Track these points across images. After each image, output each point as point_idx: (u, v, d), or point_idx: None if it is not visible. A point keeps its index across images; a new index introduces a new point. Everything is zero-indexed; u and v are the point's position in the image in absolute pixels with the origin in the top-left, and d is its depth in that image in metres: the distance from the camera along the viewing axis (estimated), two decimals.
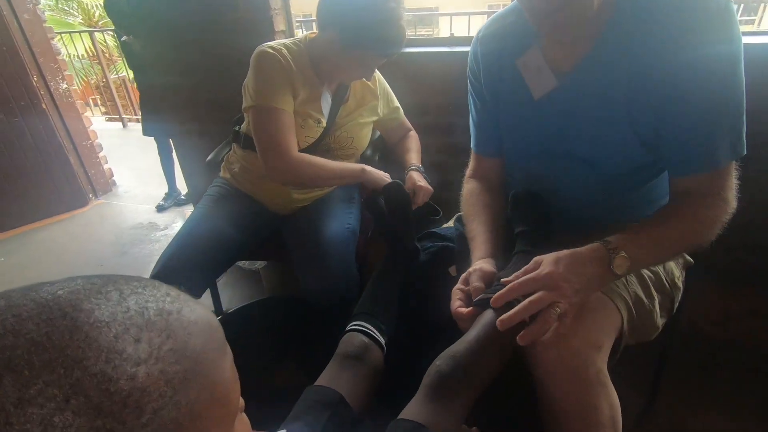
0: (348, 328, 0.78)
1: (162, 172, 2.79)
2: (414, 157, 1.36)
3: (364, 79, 1.23)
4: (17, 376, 0.22)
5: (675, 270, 0.87)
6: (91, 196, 2.94)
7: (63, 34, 5.20)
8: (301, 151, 1.19)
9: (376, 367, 0.73)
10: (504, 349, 0.67)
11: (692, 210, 0.69)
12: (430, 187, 1.24)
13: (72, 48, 5.52)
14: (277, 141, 1.08)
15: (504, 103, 0.84)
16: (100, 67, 5.10)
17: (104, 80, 5.16)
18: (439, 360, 0.63)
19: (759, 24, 9.52)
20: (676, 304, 0.87)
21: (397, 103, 1.38)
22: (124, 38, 2.38)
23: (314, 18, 1.18)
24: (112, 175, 3.15)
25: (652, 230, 0.69)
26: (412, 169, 1.29)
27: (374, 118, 1.32)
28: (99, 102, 6.19)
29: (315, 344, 1.12)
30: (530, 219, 0.83)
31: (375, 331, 0.77)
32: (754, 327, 1.45)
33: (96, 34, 5.11)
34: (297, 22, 2.15)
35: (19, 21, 2.42)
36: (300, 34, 2.15)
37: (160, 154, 2.72)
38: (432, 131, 1.70)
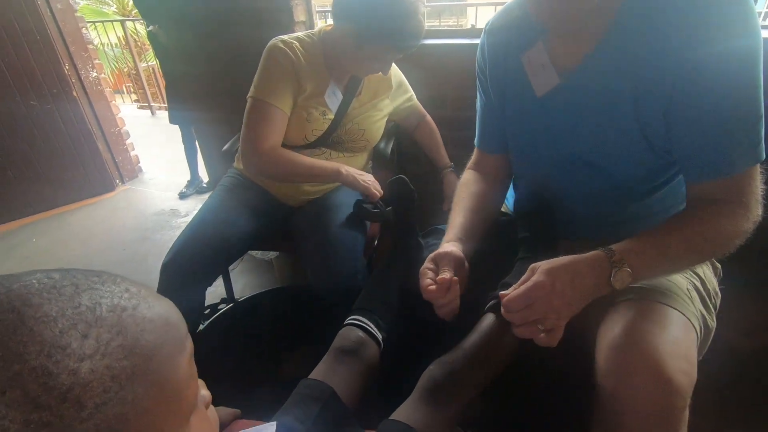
0: (345, 322, 0.78)
1: (186, 159, 2.86)
2: (444, 154, 1.38)
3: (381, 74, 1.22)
4: None
5: (712, 278, 0.83)
6: (117, 181, 3.03)
7: (97, 23, 5.37)
8: (311, 143, 1.19)
9: (372, 363, 0.73)
10: (500, 358, 0.65)
11: (708, 219, 0.63)
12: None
13: (105, 37, 5.69)
14: (256, 134, 1.10)
15: (509, 100, 0.82)
16: (131, 56, 5.23)
17: (135, 69, 5.30)
18: (434, 365, 0.63)
19: None
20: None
21: (410, 91, 1.37)
22: (150, 28, 2.42)
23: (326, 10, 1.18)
24: (139, 162, 3.24)
25: (663, 240, 0.63)
26: (449, 171, 1.32)
27: (388, 111, 1.31)
28: (132, 90, 6.38)
29: (321, 335, 1.13)
30: (534, 224, 0.81)
31: (372, 326, 0.77)
32: None
33: (128, 23, 5.24)
34: (318, 12, 2.15)
35: (52, 10, 2.50)
36: (323, 23, 2.15)
37: (183, 142, 2.78)
38: (450, 124, 1.67)
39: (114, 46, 6.22)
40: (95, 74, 2.80)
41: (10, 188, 2.59)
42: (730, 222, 0.62)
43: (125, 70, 6.51)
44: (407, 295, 0.89)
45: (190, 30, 2.07)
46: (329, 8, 2.38)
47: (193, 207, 2.69)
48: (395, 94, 1.32)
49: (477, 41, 1.57)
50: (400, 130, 1.53)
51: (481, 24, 0.97)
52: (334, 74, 1.19)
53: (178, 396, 0.30)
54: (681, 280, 0.75)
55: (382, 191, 1.15)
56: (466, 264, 0.76)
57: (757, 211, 0.65)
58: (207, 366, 1.20)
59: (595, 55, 0.67)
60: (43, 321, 0.25)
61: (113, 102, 2.98)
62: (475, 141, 0.95)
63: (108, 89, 2.96)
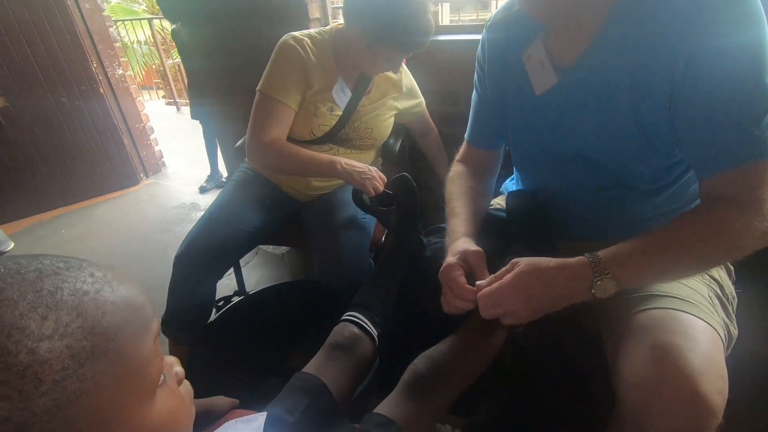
0: (342, 318, 0.79)
1: (206, 154, 2.93)
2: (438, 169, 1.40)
3: (392, 74, 1.24)
4: None
5: (728, 282, 0.80)
6: (142, 175, 3.14)
7: (126, 22, 5.54)
8: (318, 138, 1.20)
9: (365, 359, 0.74)
10: (485, 353, 0.65)
11: (710, 218, 0.58)
12: None
13: (134, 34, 5.86)
14: (259, 125, 1.14)
15: (510, 98, 0.81)
16: (158, 53, 5.38)
17: (162, 66, 5.45)
18: (418, 359, 0.63)
19: None
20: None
21: (420, 98, 1.38)
22: (174, 26, 2.49)
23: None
24: (162, 157, 3.35)
25: (654, 246, 0.59)
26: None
27: (394, 111, 1.32)
28: (160, 86, 6.56)
29: (328, 329, 1.16)
30: (527, 221, 0.80)
31: (368, 323, 0.78)
32: None
33: (155, 21, 5.37)
34: (335, 8, 2.15)
35: (80, 10, 2.60)
36: (331, 20, 2.16)
37: (204, 137, 2.85)
38: (462, 121, 1.65)
39: (143, 43, 6.41)
40: (121, 72, 2.89)
41: (42, 181, 2.72)
42: (737, 220, 0.57)
43: (153, 66, 6.70)
44: (408, 292, 0.90)
45: (210, 27, 2.11)
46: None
47: (211, 201, 2.76)
48: (404, 96, 1.33)
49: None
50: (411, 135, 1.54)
51: None
52: (344, 72, 1.20)
53: (139, 374, 0.32)
54: (701, 287, 0.71)
55: (381, 188, 1.14)
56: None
57: None
58: (217, 356, 1.24)
59: (592, 51, 0.66)
60: (4, 304, 0.27)
61: (138, 98, 3.08)
62: (466, 135, 0.95)
63: (134, 86, 3.05)
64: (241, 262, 2.03)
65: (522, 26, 0.75)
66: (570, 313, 0.65)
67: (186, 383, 0.40)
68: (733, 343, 0.73)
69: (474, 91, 0.90)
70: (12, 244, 2.41)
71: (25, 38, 2.45)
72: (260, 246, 1.90)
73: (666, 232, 0.60)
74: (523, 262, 0.62)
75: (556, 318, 0.64)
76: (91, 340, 0.29)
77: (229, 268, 1.25)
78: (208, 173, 2.96)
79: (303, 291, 1.40)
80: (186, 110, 5.12)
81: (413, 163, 1.73)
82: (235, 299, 1.45)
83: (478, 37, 1.63)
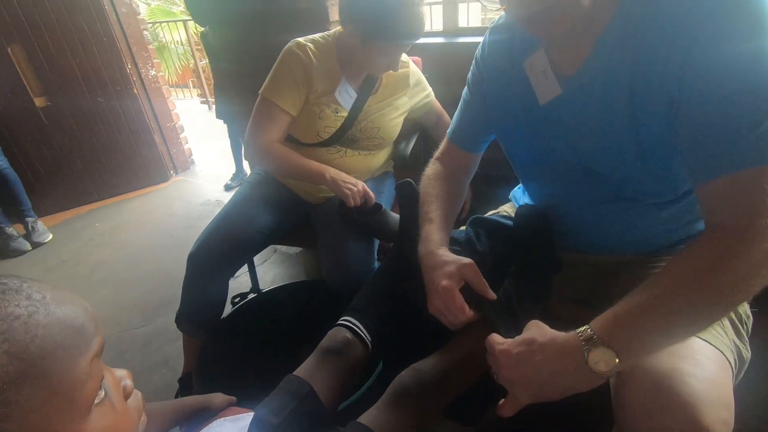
0: (337, 322, 0.80)
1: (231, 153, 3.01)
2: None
3: (392, 71, 1.22)
4: None
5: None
6: (171, 172, 3.26)
7: (164, 24, 5.76)
8: (325, 141, 1.23)
9: (356, 364, 0.75)
10: (472, 371, 0.65)
11: (712, 255, 0.52)
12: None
13: (171, 35, 6.09)
14: (256, 128, 1.20)
15: (512, 106, 0.79)
16: (192, 54, 5.56)
17: (195, 66, 5.64)
18: (405, 372, 0.64)
19: None
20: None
21: (427, 89, 1.38)
22: (202, 29, 2.57)
23: None
24: (191, 155, 3.46)
25: (651, 298, 0.52)
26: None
27: (405, 109, 1.32)
28: (196, 84, 6.79)
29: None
30: (533, 242, 0.79)
31: (362, 328, 0.78)
32: None
33: (190, 23, 5.56)
34: None
35: (117, 14, 2.72)
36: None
37: (229, 136, 2.93)
38: None
39: (180, 43, 6.65)
40: (154, 72, 3.01)
41: (79, 176, 2.87)
42: (737, 254, 0.50)
43: (189, 66, 6.94)
44: (409, 297, 0.90)
45: (235, 30, 2.17)
46: None
47: None
48: (413, 91, 1.33)
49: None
50: (425, 131, 1.53)
51: None
52: (348, 73, 1.21)
53: (69, 396, 0.33)
54: None
55: (359, 201, 1.15)
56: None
57: None
58: (226, 351, 1.28)
59: (592, 60, 0.64)
60: None
61: (170, 98, 3.20)
62: (448, 132, 0.94)
63: (165, 86, 3.18)
64: (258, 260, 2.09)
65: (525, 34, 0.74)
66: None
67: (136, 394, 0.40)
68: (746, 366, 0.70)
69: (465, 88, 0.89)
70: (50, 236, 2.56)
71: (67, 42, 2.59)
72: (276, 245, 1.94)
73: (658, 285, 0.54)
74: (518, 340, 0.58)
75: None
76: (18, 366, 0.30)
77: (240, 267, 1.29)
78: (233, 171, 3.05)
79: (313, 291, 1.42)
80: None
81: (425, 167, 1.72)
82: (251, 296, 1.49)
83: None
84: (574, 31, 0.61)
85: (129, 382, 0.40)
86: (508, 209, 1.07)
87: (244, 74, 2.20)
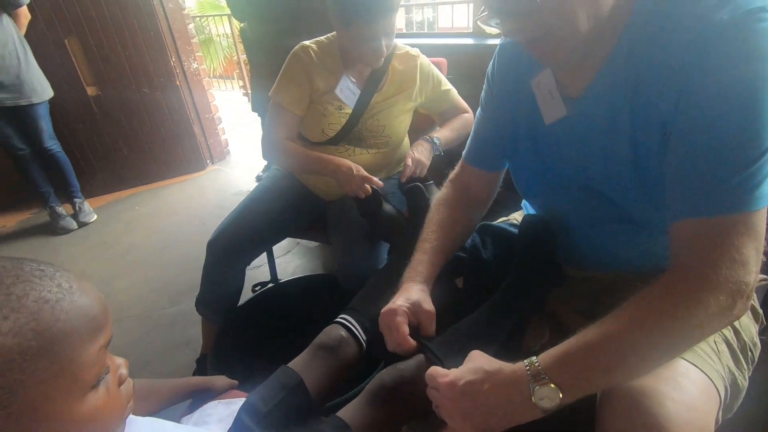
0: (334, 320, 0.83)
1: None
2: (440, 132, 1.33)
3: (398, 65, 1.26)
4: None
5: (751, 327, 0.73)
6: (208, 162, 3.40)
7: (211, 17, 5.98)
8: (332, 139, 1.27)
9: (348, 362, 0.77)
10: None
11: (675, 298, 0.51)
12: (425, 161, 1.23)
13: (215, 29, 6.33)
14: (268, 127, 1.30)
15: (519, 123, 0.78)
16: (235, 47, 5.75)
17: (238, 59, 5.83)
18: (386, 370, 0.65)
19: None
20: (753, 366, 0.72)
21: (447, 86, 1.36)
22: (242, 25, 2.66)
23: (409, 3, 1.24)
24: (228, 145, 3.60)
25: (599, 338, 0.52)
26: (422, 140, 1.28)
27: (412, 106, 1.33)
28: (241, 76, 7.02)
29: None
30: (533, 252, 0.78)
31: (358, 327, 0.81)
32: None
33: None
34: None
35: (164, 9, 2.86)
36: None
37: (263, 129, 3.02)
38: None
39: (226, 36, 6.89)
40: (196, 66, 3.15)
41: (123, 162, 3.06)
42: (692, 309, 0.49)
43: (234, 59, 7.17)
44: None
45: (270, 26, 2.24)
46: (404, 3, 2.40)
47: None
48: (422, 88, 1.31)
49: None
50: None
51: None
52: (352, 70, 1.25)
53: (73, 376, 0.37)
54: None
55: (360, 192, 1.16)
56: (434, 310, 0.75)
57: (755, 268, 0.50)
58: (240, 338, 1.34)
59: (597, 83, 0.63)
60: None
61: (209, 90, 3.34)
62: (464, 153, 0.92)
63: (207, 78, 3.31)
64: (281, 251, 2.16)
65: None
66: None
67: (129, 383, 0.45)
68: (742, 395, 0.67)
69: (479, 108, 0.89)
70: (95, 216, 2.74)
71: (118, 36, 2.75)
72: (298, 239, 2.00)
73: (612, 323, 0.53)
74: (463, 369, 0.58)
75: None
76: (39, 342, 0.35)
77: (256, 257, 1.34)
78: (265, 164, 3.14)
79: (326, 285, 1.46)
80: None
81: (444, 171, 1.71)
82: (270, 285, 1.55)
83: None
84: (575, 56, 0.60)
85: (125, 371, 0.45)
86: (518, 217, 1.06)
87: (278, 69, 2.26)
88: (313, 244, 2.06)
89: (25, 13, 2.35)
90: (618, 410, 0.55)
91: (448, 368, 0.58)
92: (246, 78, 5.62)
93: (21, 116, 2.35)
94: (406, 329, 0.69)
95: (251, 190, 1.42)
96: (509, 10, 0.56)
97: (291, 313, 1.41)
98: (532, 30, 0.57)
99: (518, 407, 0.52)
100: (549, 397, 0.51)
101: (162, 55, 2.90)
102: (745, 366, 0.67)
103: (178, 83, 3.01)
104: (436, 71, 1.34)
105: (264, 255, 1.57)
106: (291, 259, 2.14)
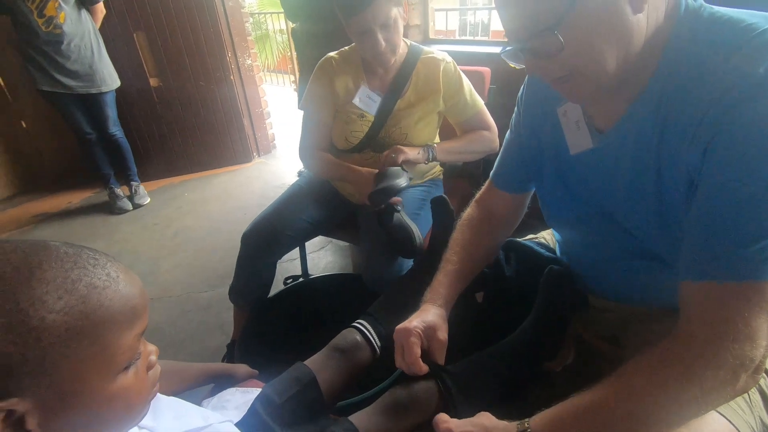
0: (352, 324, 0.86)
1: None
2: (445, 141, 1.33)
3: (423, 70, 1.27)
4: None
5: None
6: (255, 154, 3.54)
7: (266, 14, 6.20)
8: (356, 146, 1.31)
9: (360, 366, 0.80)
10: None
11: (675, 369, 0.49)
12: (408, 153, 1.22)
13: (272, 25, 6.57)
14: (301, 135, 1.38)
15: (545, 149, 0.77)
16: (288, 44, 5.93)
17: (291, 55, 6.01)
18: (401, 386, 0.68)
19: None
20: None
21: (471, 97, 1.31)
22: (294, 25, 2.76)
23: (452, 8, 1.27)
24: (274, 139, 3.73)
25: (593, 405, 0.52)
26: (427, 147, 1.29)
27: (435, 114, 1.32)
28: (292, 73, 7.25)
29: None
30: (555, 284, 0.77)
31: (373, 334, 0.83)
32: None
33: None
34: (437, 10, 2.18)
35: (224, 7, 3.00)
36: (433, 25, 2.18)
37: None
38: None
39: (282, 32, 7.13)
40: (249, 62, 3.28)
41: (177, 150, 3.25)
42: (690, 384, 0.48)
43: (288, 54, 7.41)
44: None
45: (320, 27, 2.31)
46: (448, 7, 2.39)
47: None
48: (445, 94, 1.29)
49: None
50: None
51: None
52: (372, 76, 1.28)
53: (109, 359, 0.42)
54: None
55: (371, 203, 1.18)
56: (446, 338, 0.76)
57: (764, 343, 0.48)
58: (267, 328, 1.40)
59: (627, 120, 0.61)
60: (40, 280, 0.38)
61: (261, 86, 3.47)
62: (491, 173, 0.91)
63: (259, 74, 3.45)
64: (314, 247, 2.22)
65: None
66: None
67: (156, 369, 0.49)
68: None
69: (509, 129, 0.87)
70: (149, 199, 2.93)
71: (181, 32, 2.92)
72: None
73: (607, 388, 0.53)
74: (465, 422, 0.60)
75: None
76: (84, 323, 0.39)
77: (287, 252, 1.40)
78: None
79: (353, 284, 1.49)
80: None
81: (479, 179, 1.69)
82: (300, 280, 1.61)
83: None
84: (602, 95, 0.59)
85: (154, 358, 0.49)
86: (546, 236, 1.04)
87: None
88: (345, 243, 2.10)
89: (101, 9, 2.55)
90: None
91: (457, 402, 0.60)
92: (297, 73, 5.80)
93: (91, 103, 2.55)
94: (418, 351, 0.70)
95: (290, 185, 1.48)
96: (533, 50, 0.55)
97: (317, 308, 1.46)
98: (557, 70, 0.56)
99: None
100: None
101: (219, 51, 3.05)
102: None
103: (232, 78, 3.16)
104: (462, 79, 1.30)
105: (298, 249, 1.64)
106: (323, 256, 2.20)
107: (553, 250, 0.98)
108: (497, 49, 1.61)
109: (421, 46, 1.32)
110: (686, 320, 0.53)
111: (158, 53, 2.94)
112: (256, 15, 7.00)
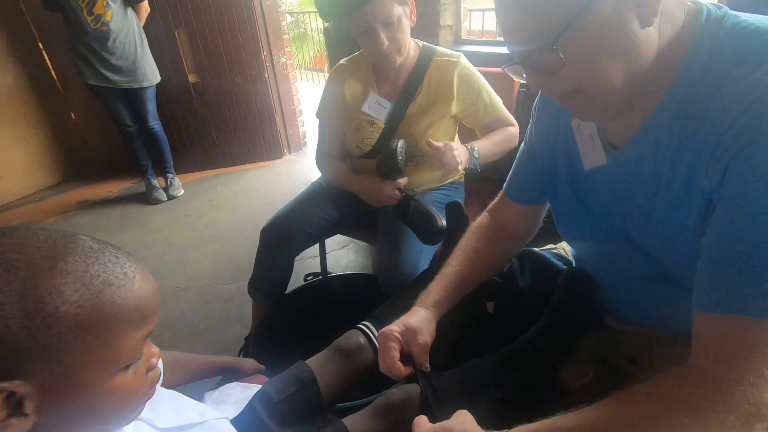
0: (357, 325, 0.85)
1: None
2: (480, 142, 1.26)
3: (435, 73, 1.22)
4: None
5: None
6: (286, 151, 3.61)
7: (304, 13, 6.30)
8: (368, 153, 1.29)
9: (362, 368, 0.79)
10: None
11: (677, 407, 0.46)
12: (455, 160, 1.13)
13: (311, 24, 6.69)
14: (318, 143, 1.41)
15: (559, 167, 0.73)
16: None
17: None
18: (397, 389, 0.67)
19: None
20: None
21: (490, 100, 1.26)
22: (326, 25, 2.78)
23: (489, 8, 1.24)
24: (305, 137, 3.78)
25: (583, 428, 0.49)
26: (468, 146, 1.22)
27: (449, 119, 1.27)
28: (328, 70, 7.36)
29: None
30: (573, 294, 0.74)
31: (377, 336, 0.82)
32: None
33: None
34: (471, 10, 2.14)
35: (262, 6, 3.07)
36: (467, 26, 2.14)
37: None
38: None
39: (319, 31, 7.24)
40: (284, 60, 3.34)
41: (211, 145, 3.35)
42: (688, 426, 0.44)
43: (325, 53, 7.51)
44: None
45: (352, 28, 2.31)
46: (485, 7, 2.34)
47: None
48: (459, 98, 1.25)
49: None
50: None
51: None
52: (383, 81, 1.26)
53: (111, 356, 0.42)
54: None
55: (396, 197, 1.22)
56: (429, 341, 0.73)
57: (762, 418, 0.43)
58: (283, 324, 1.41)
59: (642, 136, 0.57)
60: (60, 271, 0.40)
61: (294, 84, 3.53)
62: (504, 185, 0.88)
63: (292, 73, 3.50)
64: (337, 245, 2.24)
65: None
66: None
67: (156, 371, 0.49)
68: None
69: (523, 141, 0.83)
70: (182, 191, 3.04)
71: (219, 30, 3.01)
72: None
73: (587, 415, 0.50)
74: (435, 426, 0.57)
75: None
76: (94, 317, 0.40)
77: (305, 249, 1.41)
78: None
79: (369, 285, 1.49)
80: None
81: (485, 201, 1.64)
82: (319, 278, 1.62)
83: None
84: (612, 111, 0.55)
85: (155, 361, 0.49)
86: (566, 247, 1.00)
87: None
88: (362, 242, 2.11)
89: (145, 7, 2.67)
90: None
91: (438, 405, 0.58)
92: (327, 74, 5.87)
93: (132, 97, 2.68)
94: (395, 354, 0.69)
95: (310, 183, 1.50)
96: (534, 65, 0.52)
97: (333, 307, 1.47)
98: (560, 86, 0.53)
99: None
100: None
101: (255, 49, 3.12)
102: None
103: (266, 76, 3.22)
104: (478, 83, 1.25)
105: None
106: (345, 254, 2.21)
107: (571, 263, 0.94)
108: None
109: (435, 46, 1.28)
110: (699, 355, 0.48)
111: (197, 50, 3.04)
112: (296, 14, 7.14)
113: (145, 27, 2.68)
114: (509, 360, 0.76)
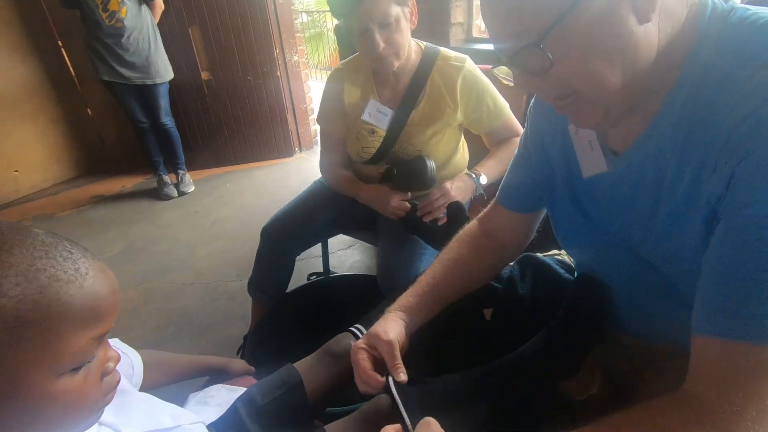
0: (348, 328, 0.83)
1: None
2: (486, 165, 1.24)
3: (438, 78, 1.17)
4: None
5: None
6: (296, 149, 3.61)
7: (321, 12, 6.32)
8: (369, 160, 1.26)
9: (352, 372, 0.76)
10: None
11: (675, 425, 0.43)
12: (458, 196, 1.17)
13: (325, 23, 6.72)
14: (320, 150, 1.40)
15: (557, 173, 0.69)
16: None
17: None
18: (384, 395, 0.64)
19: None
20: None
21: (495, 105, 1.21)
22: (338, 22, 2.77)
23: None
24: (316, 135, 3.78)
25: None
26: (465, 174, 1.22)
27: (453, 126, 1.22)
28: None
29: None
30: (581, 300, 0.70)
31: None
32: None
33: None
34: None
35: (275, 4, 3.08)
36: (479, 23, 2.10)
37: None
38: None
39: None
40: (296, 58, 3.35)
41: (223, 142, 3.37)
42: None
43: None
44: (430, 328, 0.88)
45: None
46: None
47: None
48: (462, 104, 1.19)
49: None
50: None
51: None
52: (383, 88, 1.21)
53: (55, 356, 0.39)
54: None
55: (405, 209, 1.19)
56: (399, 347, 0.69)
57: None
58: (280, 325, 1.40)
59: (643, 142, 0.54)
60: (4, 264, 0.37)
61: (306, 82, 3.53)
62: (498, 191, 0.83)
63: (305, 71, 3.50)
64: (342, 245, 2.22)
65: None
66: None
67: (114, 376, 0.46)
68: None
69: (518, 147, 0.79)
70: (193, 188, 3.07)
71: (232, 27, 3.02)
72: None
73: None
74: None
75: None
76: (36, 314, 0.38)
77: (306, 248, 1.40)
78: None
79: (371, 286, 1.47)
80: None
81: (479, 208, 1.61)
82: (321, 278, 1.61)
83: None
84: (611, 116, 0.51)
85: (111, 365, 0.46)
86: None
87: None
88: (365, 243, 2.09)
89: (160, 4, 2.69)
90: None
91: (409, 416, 0.55)
92: None
93: (145, 94, 2.70)
94: (366, 364, 0.67)
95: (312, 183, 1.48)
96: (523, 66, 0.48)
97: (333, 307, 1.45)
98: (551, 89, 0.49)
99: None
100: None
101: (268, 47, 3.13)
102: None
103: (278, 74, 3.23)
104: (482, 86, 1.19)
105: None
106: (351, 254, 2.19)
107: (574, 271, 0.90)
108: None
109: (438, 48, 1.22)
110: (696, 379, 0.45)
111: (210, 47, 3.06)
112: (313, 13, 7.17)
113: (159, 24, 2.71)
114: (508, 371, 0.73)
